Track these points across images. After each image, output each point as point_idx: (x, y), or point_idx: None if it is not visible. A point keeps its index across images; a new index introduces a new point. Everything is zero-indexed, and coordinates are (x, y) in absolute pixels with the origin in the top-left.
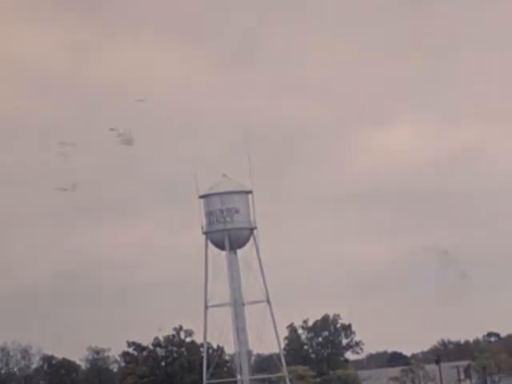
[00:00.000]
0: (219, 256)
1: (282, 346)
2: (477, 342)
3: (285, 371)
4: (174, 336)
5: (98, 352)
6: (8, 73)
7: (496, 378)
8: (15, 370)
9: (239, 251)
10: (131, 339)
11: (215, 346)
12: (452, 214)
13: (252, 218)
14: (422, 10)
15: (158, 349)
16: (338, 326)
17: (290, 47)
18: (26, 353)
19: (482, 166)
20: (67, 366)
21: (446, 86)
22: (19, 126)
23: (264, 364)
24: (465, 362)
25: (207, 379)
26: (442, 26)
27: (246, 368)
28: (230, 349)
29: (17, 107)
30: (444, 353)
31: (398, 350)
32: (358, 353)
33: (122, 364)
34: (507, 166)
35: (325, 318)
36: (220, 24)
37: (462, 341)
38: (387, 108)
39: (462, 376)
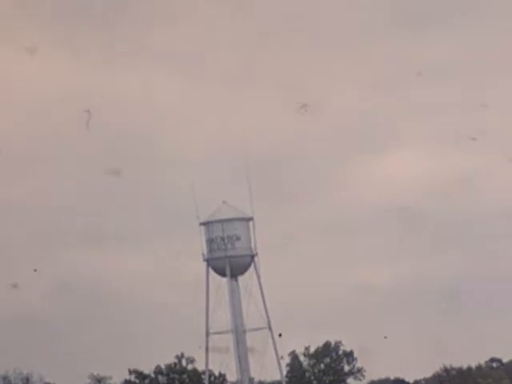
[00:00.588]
0: (220, 283)
1: (284, 373)
2: (479, 367)
3: None
4: (175, 364)
5: (99, 380)
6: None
7: None
8: None
9: (240, 278)
10: (133, 367)
11: (217, 374)
12: (453, 239)
13: (253, 244)
14: (421, 36)
15: (159, 376)
16: (340, 352)
17: (289, 73)
18: (27, 381)
19: (481, 191)
20: None
21: (444, 112)
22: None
23: None
24: None
25: None
26: (443, 52)
27: None
28: (231, 376)
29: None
30: (446, 379)
31: (401, 376)
32: (360, 379)
33: None
34: (507, 190)
35: (326, 345)
36: (219, 49)
37: (465, 367)
38: (387, 134)
39: None
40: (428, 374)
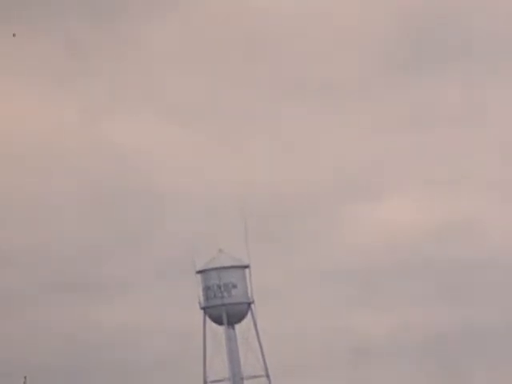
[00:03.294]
0: (217, 331)
1: None
2: None
3: None
4: None
5: None
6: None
7: None
8: None
9: (237, 326)
10: None
11: None
12: (451, 288)
13: (249, 292)
14: (415, 80)
15: None
16: None
17: (286, 118)
18: None
19: (482, 237)
20: None
21: (442, 157)
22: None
23: None
24: None
25: None
26: (438, 97)
27: None
28: None
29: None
30: None
31: None
32: None
33: None
34: (509, 237)
35: None
36: (215, 100)
37: None
38: (386, 180)
39: None
40: None
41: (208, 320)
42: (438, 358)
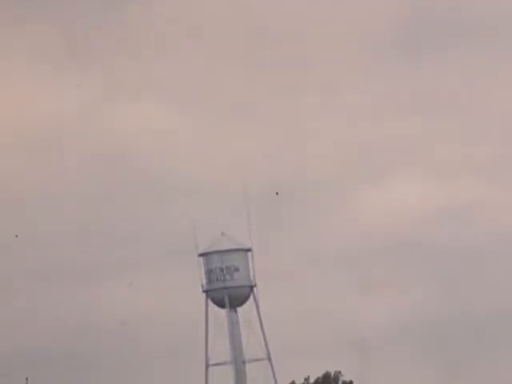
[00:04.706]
0: (219, 314)
1: None
2: None
3: None
4: None
5: None
6: (6, 136)
7: None
8: None
9: (239, 309)
10: None
11: None
12: (455, 272)
13: (252, 275)
14: (421, 66)
15: None
16: (340, 383)
17: (287, 102)
18: None
19: (482, 222)
20: None
21: (444, 142)
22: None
23: None
24: None
25: None
26: (443, 82)
27: None
28: None
29: (16, 170)
30: None
31: None
32: None
33: None
34: (508, 222)
35: (326, 375)
36: (216, 81)
37: None
38: (387, 164)
39: None
40: None
41: (210, 303)
42: (438, 342)
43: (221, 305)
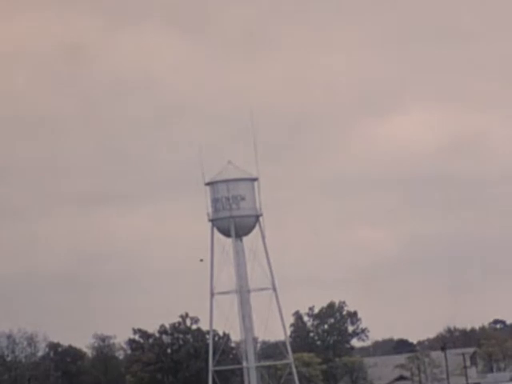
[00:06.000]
0: (225, 243)
1: (288, 333)
2: (483, 329)
3: (290, 358)
4: (179, 323)
5: (103, 339)
6: (8, 67)
7: (502, 365)
8: (21, 357)
9: (245, 238)
10: (137, 326)
11: (221, 333)
12: (457, 201)
13: (258, 205)
14: None
15: (163, 336)
16: (344, 313)
17: (293, 36)
18: (31, 340)
19: (486, 152)
20: (73, 354)
21: (448, 72)
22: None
23: (270, 351)
24: (471, 350)
25: (213, 366)
26: (446, 14)
27: (251, 355)
28: (235, 336)
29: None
30: (450, 340)
31: (404, 337)
32: (363, 340)
33: (128, 351)
34: None
35: (331, 305)
36: (224, 12)
37: (468, 328)
38: (391, 95)
39: (468, 363)
40: (432, 334)
41: (216, 232)
42: (446, 272)
43: (226, 234)
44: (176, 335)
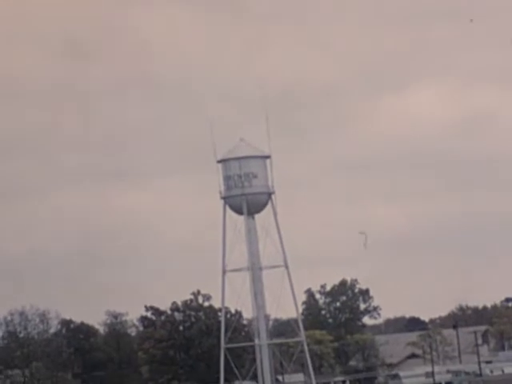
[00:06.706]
0: (237, 221)
1: (300, 310)
2: (495, 307)
3: (302, 336)
4: (191, 300)
5: (116, 316)
6: (15, 35)
7: None
8: (34, 333)
9: (257, 216)
10: (149, 304)
11: (233, 311)
12: (470, 178)
13: (270, 182)
14: None
15: (175, 313)
16: (356, 290)
17: (309, 8)
18: (44, 317)
19: (501, 129)
20: (85, 331)
21: (464, 49)
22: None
23: (282, 329)
24: (482, 328)
25: (225, 343)
26: None
27: (263, 332)
28: (247, 313)
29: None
30: (462, 318)
31: (416, 315)
32: (375, 318)
33: (140, 328)
34: None
35: (342, 283)
36: None
37: (480, 306)
38: (406, 72)
39: (480, 341)
40: (443, 312)
41: (228, 209)
42: (459, 246)
43: (239, 211)
44: (188, 312)
